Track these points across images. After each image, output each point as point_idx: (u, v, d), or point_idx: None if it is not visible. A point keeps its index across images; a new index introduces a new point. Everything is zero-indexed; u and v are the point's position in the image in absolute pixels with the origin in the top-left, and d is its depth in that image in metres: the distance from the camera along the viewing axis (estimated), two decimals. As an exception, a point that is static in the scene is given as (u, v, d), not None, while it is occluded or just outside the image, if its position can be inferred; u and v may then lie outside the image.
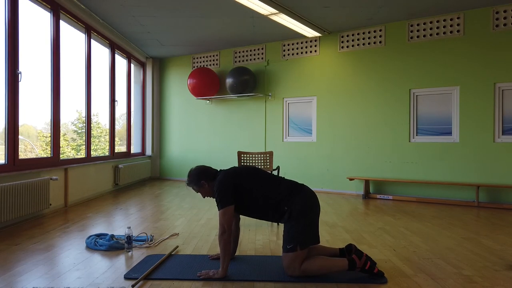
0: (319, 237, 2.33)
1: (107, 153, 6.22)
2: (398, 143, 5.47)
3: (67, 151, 8.08)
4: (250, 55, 6.76)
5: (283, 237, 2.28)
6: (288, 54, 6.40)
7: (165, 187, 6.53)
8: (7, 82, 3.72)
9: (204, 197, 2.52)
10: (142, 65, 7.61)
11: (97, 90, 5.59)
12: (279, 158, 6.23)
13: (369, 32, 5.68)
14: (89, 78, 5.30)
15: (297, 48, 6.32)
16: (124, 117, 7.07)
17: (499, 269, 2.42)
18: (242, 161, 4.73)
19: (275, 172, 4.37)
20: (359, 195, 5.67)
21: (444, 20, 5.15)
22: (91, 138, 5.48)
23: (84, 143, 5.38)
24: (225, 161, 6.63)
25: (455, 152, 5.09)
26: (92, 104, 5.39)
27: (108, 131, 6.23)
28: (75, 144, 8.34)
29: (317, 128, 6.14)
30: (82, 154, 5.92)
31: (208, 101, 7.23)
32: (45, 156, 4.85)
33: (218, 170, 2.50)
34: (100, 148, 8.54)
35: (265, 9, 4.79)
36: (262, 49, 6.64)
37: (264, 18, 5.20)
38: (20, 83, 3.84)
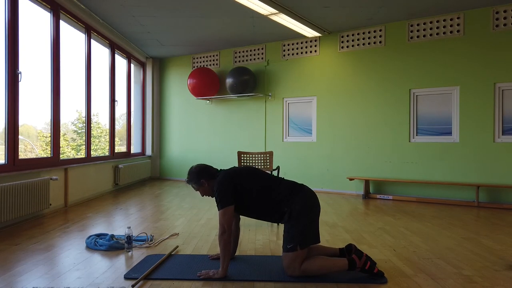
0: (319, 237, 2.33)
1: (107, 153, 6.22)
2: (398, 143, 5.47)
3: (67, 151, 8.08)
4: (250, 55, 6.76)
5: (283, 237, 2.28)
6: (288, 54, 6.40)
7: (165, 187, 6.53)
8: (7, 82, 3.72)
9: (202, 196, 2.52)
10: (142, 65, 7.61)
11: (97, 90, 5.59)
12: (279, 158, 6.23)
13: (369, 32, 5.68)
14: (89, 78, 5.30)
15: (297, 48, 6.32)
16: (124, 117, 7.07)
17: (499, 269, 2.42)
18: (242, 161, 4.73)
19: (275, 172, 4.36)
20: (359, 195, 5.67)
21: (444, 20, 5.15)
22: (91, 138, 5.48)
23: (84, 143, 5.38)
24: (225, 161, 6.63)
25: (455, 152, 5.09)
26: (92, 104, 5.39)
27: (108, 131, 6.23)
28: (75, 144, 8.33)
29: (317, 128, 6.14)
30: (82, 154, 5.92)
31: (208, 101, 7.23)
32: (45, 156, 4.85)
33: (219, 169, 2.50)
34: (100, 148, 8.54)
35: (265, 9, 4.79)
36: (262, 49, 6.64)
37: (264, 18, 5.20)
38: (20, 83, 3.84)
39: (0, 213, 3.34)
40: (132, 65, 7.12)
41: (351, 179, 5.61)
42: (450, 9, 5.00)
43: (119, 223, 3.83)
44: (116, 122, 6.35)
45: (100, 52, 5.92)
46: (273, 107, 6.55)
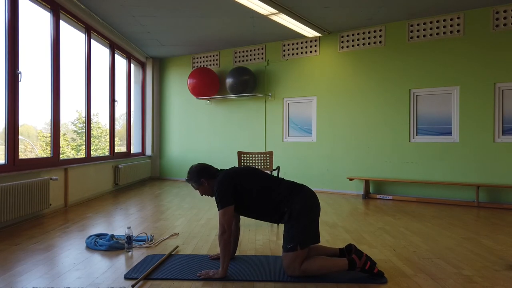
0: (319, 237, 2.33)
1: (107, 153, 6.22)
2: (398, 143, 5.47)
3: (67, 151, 8.08)
4: (250, 55, 6.76)
5: (283, 237, 2.28)
6: (288, 54, 6.40)
7: (165, 187, 6.53)
8: (7, 82, 3.72)
9: (202, 195, 2.52)
10: (142, 65, 7.61)
11: (97, 90, 5.59)
12: (279, 158, 6.23)
13: (369, 32, 5.68)
14: (89, 78, 5.30)
15: (297, 48, 6.32)
16: (124, 117, 7.07)
17: (499, 269, 2.42)
18: (242, 161, 4.73)
19: (275, 172, 4.37)
20: (359, 195, 5.67)
21: (444, 20, 5.15)
22: (91, 138, 5.48)
23: (84, 143, 5.38)
24: (225, 161, 6.63)
25: (455, 152, 5.09)
26: (92, 104, 5.39)
27: (108, 131, 6.23)
28: (75, 144, 8.34)
29: (317, 128, 6.14)
30: (82, 154, 5.92)
31: (208, 101, 7.23)
32: (45, 156, 4.85)
33: (219, 169, 2.51)
34: (100, 148, 8.55)
35: (265, 9, 4.79)
36: (262, 49, 6.64)
37: (264, 18, 5.20)
38: (20, 83, 3.84)
39: (0, 213, 3.34)
40: (132, 65, 7.12)
41: (351, 179, 5.61)
42: (450, 9, 5.00)
43: (119, 223, 3.83)
44: (116, 122, 6.35)
45: (100, 52, 5.92)
46: (273, 107, 6.55)
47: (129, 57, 6.89)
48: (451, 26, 5.12)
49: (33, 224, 3.66)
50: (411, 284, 2.16)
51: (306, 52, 6.24)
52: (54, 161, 4.50)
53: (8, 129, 3.74)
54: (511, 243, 3.07)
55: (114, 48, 6.17)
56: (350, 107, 5.84)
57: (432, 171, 5.23)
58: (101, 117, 7.11)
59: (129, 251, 2.78)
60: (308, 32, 5.78)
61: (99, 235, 3.10)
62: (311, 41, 6.18)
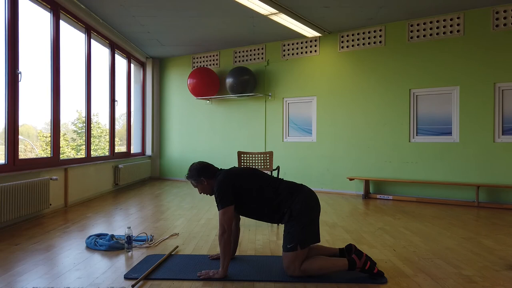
0: (319, 236, 2.33)
1: (107, 153, 6.22)
2: (398, 143, 5.47)
3: (67, 151, 8.08)
4: (250, 55, 6.76)
5: (283, 237, 2.28)
6: (288, 54, 6.40)
7: (165, 187, 6.53)
8: (7, 82, 3.72)
9: (200, 193, 2.52)
10: (142, 65, 7.61)
11: (97, 90, 5.59)
12: (279, 158, 6.22)
13: (369, 32, 5.68)
14: (89, 78, 5.30)
15: (297, 48, 6.32)
16: (124, 117, 7.07)
17: (499, 269, 2.42)
18: (242, 161, 4.73)
19: (275, 172, 4.37)
20: (359, 195, 5.67)
21: (444, 20, 5.15)
22: (91, 138, 5.48)
23: (84, 143, 5.38)
24: (225, 161, 6.63)
25: (455, 152, 5.09)
26: (92, 104, 5.39)
27: (108, 131, 6.23)
28: (75, 144, 8.34)
29: (317, 128, 6.14)
30: (82, 154, 5.92)
31: (208, 101, 7.23)
32: (45, 156, 4.85)
33: (219, 168, 2.51)
34: (100, 148, 8.55)
35: (265, 9, 4.79)
36: (262, 49, 6.64)
37: (264, 18, 5.20)
38: (20, 83, 3.84)
39: (0, 213, 3.34)
40: (132, 65, 7.12)
41: (351, 179, 5.61)
42: (450, 9, 5.00)
43: (119, 223, 3.83)
44: (116, 122, 6.35)
45: (100, 52, 5.92)
46: (273, 107, 6.55)
47: (129, 57, 6.89)
48: (451, 26, 5.12)
49: (33, 224, 3.66)
50: (411, 284, 2.16)
51: (306, 52, 6.24)
52: (54, 161, 4.50)
53: (8, 129, 3.74)
54: (511, 243, 3.07)
55: (114, 48, 6.17)
56: (350, 107, 5.84)
57: (432, 171, 5.23)
58: (101, 117, 7.12)
59: (129, 251, 2.78)
60: (308, 32, 5.78)
61: (99, 235, 3.09)
62: (311, 41, 6.18)
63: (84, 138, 5.38)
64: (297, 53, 6.32)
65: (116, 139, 6.52)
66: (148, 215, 4.18)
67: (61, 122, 4.71)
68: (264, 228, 3.58)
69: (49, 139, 4.59)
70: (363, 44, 5.74)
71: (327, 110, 6.05)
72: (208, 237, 3.25)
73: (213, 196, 2.39)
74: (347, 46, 5.87)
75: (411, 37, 5.38)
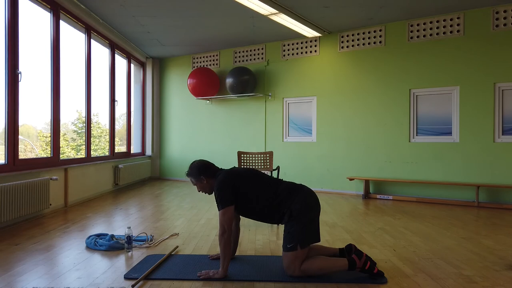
0: (319, 236, 2.34)
1: (107, 153, 6.22)
2: (398, 143, 5.47)
3: (67, 151, 8.09)
4: (250, 55, 6.76)
5: (283, 237, 2.28)
6: (288, 54, 6.40)
7: (165, 187, 6.53)
8: (7, 82, 3.72)
9: (199, 191, 2.52)
10: (142, 65, 7.61)
11: (97, 90, 5.59)
12: (279, 158, 6.22)
13: (369, 32, 5.68)
14: (89, 78, 5.30)
15: (297, 48, 6.32)
16: (124, 117, 7.07)
17: (499, 269, 2.42)
18: (242, 161, 4.73)
19: (275, 172, 4.37)
20: (359, 195, 5.67)
21: (444, 20, 5.15)
22: (91, 138, 5.48)
23: (84, 143, 5.38)
24: (225, 161, 6.62)
25: (455, 152, 5.09)
26: (92, 104, 5.39)
27: (108, 131, 6.23)
28: (75, 144, 8.34)
29: (317, 128, 6.14)
30: (82, 154, 5.92)
31: (208, 101, 7.23)
32: (45, 156, 4.85)
33: (220, 168, 2.51)
34: (100, 148, 8.55)
35: (265, 9, 4.79)
36: (262, 49, 6.64)
37: (264, 18, 5.20)
38: (20, 83, 3.84)
39: (0, 213, 3.34)
40: (132, 65, 7.12)
41: (351, 179, 5.61)
42: (450, 9, 5.00)
43: (119, 223, 3.83)
44: (116, 122, 6.35)
45: (100, 52, 5.92)
46: (273, 107, 6.55)
47: (129, 57, 6.89)
48: (451, 26, 5.12)
49: (33, 224, 3.66)
50: (411, 284, 2.16)
51: (306, 52, 6.24)
52: (54, 161, 4.50)
53: (8, 129, 3.74)
54: (511, 243, 3.07)
55: (114, 48, 6.17)
56: (350, 107, 5.84)
57: (432, 171, 5.23)
58: (101, 117, 7.12)
59: (129, 251, 2.78)
60: (308, 32, 5.78)
61: (99, 235, 3.09)
62: (311, 41, 6.18)
63: (84, 138, 5.38)
64: (297, 53, 6.32)
65: (116, 139, 6.52)
66: (148, 215, 4.18)
67: (61, 122, 4.71)
68: (264, 228, 3.58)
69: (49, 139, 4.59)
70: (363, 44, 5.74)
71: (327, 110, 6.04)
72: (208, 237, 3.25)
73: (213, 196, 2.39)
74: (347, 46, 5.87)
75: (411, 37, 5.38)
